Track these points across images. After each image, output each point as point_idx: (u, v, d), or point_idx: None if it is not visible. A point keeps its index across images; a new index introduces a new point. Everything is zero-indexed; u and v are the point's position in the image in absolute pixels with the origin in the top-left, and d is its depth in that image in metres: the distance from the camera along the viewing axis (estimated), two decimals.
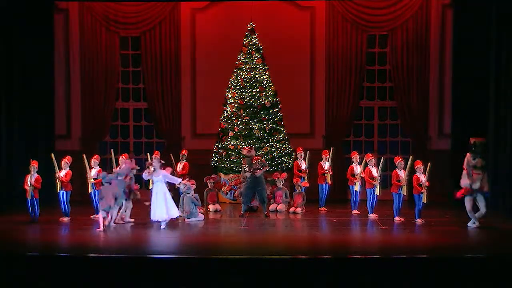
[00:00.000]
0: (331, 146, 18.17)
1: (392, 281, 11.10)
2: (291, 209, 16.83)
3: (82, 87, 19.41)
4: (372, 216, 15.90)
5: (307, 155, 17.33)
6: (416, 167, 15.15)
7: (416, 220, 15.17)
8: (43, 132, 18.54)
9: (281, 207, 16.95)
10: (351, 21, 19.11)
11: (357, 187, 16.29)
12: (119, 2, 19.22)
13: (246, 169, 16.36)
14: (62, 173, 15.41)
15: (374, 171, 15.91)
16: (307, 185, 17.16)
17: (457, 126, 18.50)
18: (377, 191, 15.84)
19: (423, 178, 15.00)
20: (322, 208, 17.10)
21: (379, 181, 15.90)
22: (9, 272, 11.33)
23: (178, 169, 17.26)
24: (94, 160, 15.94)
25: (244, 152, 16.78)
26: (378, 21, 19.18)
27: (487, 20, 17.09)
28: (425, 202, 15.06)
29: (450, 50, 18.76)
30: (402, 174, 15.34)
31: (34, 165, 15.17)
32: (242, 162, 17.01)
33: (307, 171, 17.38)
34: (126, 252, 12.22)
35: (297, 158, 17.47)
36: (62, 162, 15.54)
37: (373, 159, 16.11)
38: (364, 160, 16.19)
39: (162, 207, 14.48)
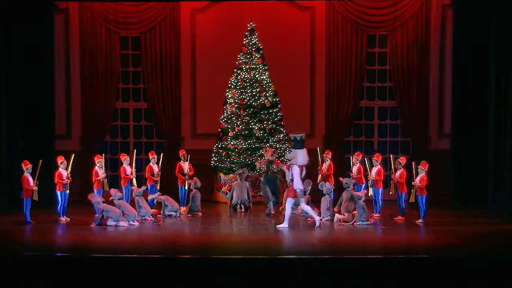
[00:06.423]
0: (331, 146, 18.18)
1: (392, 281, 11.10)
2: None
3: (82, 87, 19.42)
4: (376, 216, 15.86)
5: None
6: (419, 168, 15.12)
7: (416, 221, 15.19)
8: (43, 132, 18.54)
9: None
10: (351, 21, 19.11)
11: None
12: (119, 2, 19.22)
13: (264, 170, 16.52)
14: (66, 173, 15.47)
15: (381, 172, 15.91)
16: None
17: (457, 126, 18.51)
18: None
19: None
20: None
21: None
22: (8, 272, 11.33)
23: (185, 171, 17.06)
24: (99, 160, 15.92)
25: (267, 156, 16.71)
26: (378, 21, 19.19)
27: (487, 20, 17.09)
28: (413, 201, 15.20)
29: (450, 50, 18.76)
30: (397, 174, 15.39)
31: (28, 166, 15.20)
32: (257, 162, 17.00)
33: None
34: (126, 252, 12.21)
35: None
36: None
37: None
38: (374, 160, 15.94)
39: None
